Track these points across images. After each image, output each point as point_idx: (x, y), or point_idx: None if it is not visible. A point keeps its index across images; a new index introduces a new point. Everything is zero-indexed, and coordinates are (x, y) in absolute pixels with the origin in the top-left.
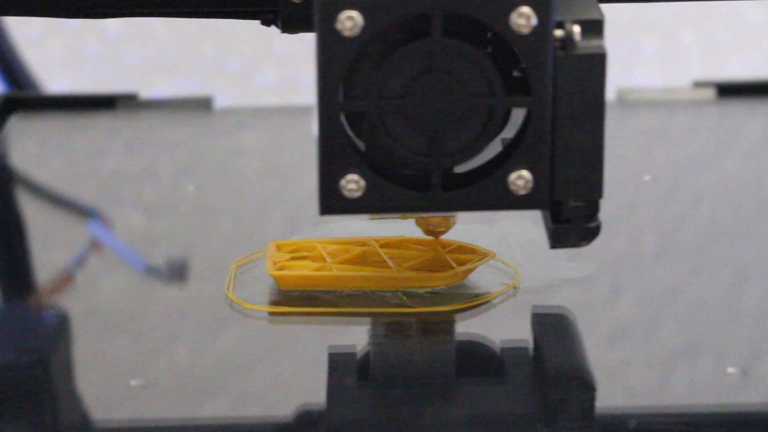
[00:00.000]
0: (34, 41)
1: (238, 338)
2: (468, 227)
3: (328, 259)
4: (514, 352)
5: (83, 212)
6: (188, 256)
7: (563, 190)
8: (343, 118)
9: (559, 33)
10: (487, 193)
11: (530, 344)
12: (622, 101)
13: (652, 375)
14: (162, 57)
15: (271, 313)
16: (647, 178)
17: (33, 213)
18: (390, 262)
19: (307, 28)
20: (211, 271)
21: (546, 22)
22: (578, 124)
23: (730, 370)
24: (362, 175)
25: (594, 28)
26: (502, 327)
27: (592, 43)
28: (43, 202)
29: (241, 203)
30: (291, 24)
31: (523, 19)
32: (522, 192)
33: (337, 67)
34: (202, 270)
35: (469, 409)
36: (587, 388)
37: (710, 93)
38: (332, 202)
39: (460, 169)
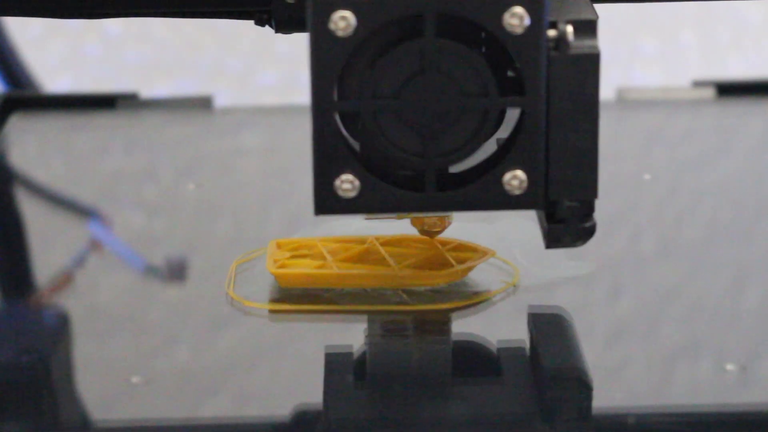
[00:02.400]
0: (34, 41)
1: (239, 336)
2: (467, 226)
3: (328, 257)
4: (512, 352)
5: (83, 212)
6: (188, 256)
7: (558, 190)
8: (338, 118)
9: (552, 33)
10: (482, 193)
11: (527, 344)
12: (622, 100)
13: (652, 375)
14: (162, 57)
15: (272, 311)
16: (647, 176)
17: (33, 213)
18: (390, 260)
19: (300, 28)
20: (212, 270)
21: (539, 22)
22: (572, 124)
23: (729, 367)
24: (357, 175)
25: (587, 28)
26: (501, 325)
27: (585, 43)
28: (43, 202)
29: (242, 202)
30: (285, 24)
31: (516, 19)
32: (517, 192)
33: (330, 68)
34: (203, 269)
35: (466, 408)
36: (584, 387)
37: (710, 92)
38: (327, 202)
39: (455, 168)
